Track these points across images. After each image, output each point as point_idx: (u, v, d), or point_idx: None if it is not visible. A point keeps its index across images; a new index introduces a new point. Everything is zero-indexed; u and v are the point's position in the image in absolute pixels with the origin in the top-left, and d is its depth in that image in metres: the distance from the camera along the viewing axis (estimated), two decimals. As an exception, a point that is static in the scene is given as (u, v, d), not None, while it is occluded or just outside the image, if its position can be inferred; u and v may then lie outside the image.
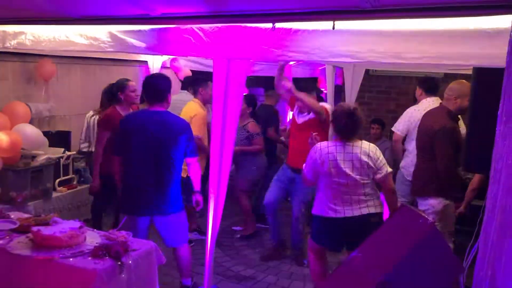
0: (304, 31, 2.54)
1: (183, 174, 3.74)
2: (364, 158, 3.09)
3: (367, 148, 3.15)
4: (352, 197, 3.09)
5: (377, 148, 3.21)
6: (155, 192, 3.28)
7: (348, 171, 3.07)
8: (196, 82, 4.96)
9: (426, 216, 1.74)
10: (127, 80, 4.12)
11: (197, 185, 3.49)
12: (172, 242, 3.44)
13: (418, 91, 4.46)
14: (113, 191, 3.91)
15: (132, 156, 3.30)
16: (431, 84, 4.40)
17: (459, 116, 3.63)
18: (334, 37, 2.48)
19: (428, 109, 3.83)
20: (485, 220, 1.48)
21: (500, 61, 2.14)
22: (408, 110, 4.42)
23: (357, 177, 3.07)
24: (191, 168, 3.46)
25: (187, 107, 4.73)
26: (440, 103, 3.80)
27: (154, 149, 3.25)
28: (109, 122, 3.90)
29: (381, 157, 3.16)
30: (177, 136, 3.28)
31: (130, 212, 3.25)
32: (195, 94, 4.89)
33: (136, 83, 6.52)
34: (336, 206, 3.11)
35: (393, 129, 4.46)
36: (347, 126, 3.16)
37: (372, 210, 3.13)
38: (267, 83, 5.90)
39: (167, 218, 3.33)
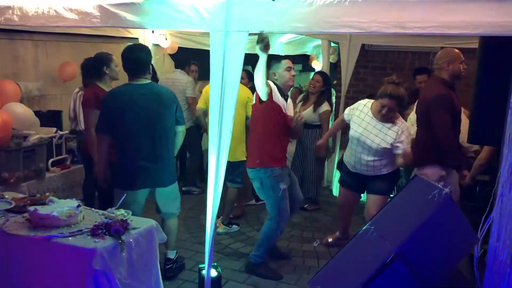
0: (305, 1, 2.45)
1: (242, 157, 4.25)
2: None
3: None
4: None
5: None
6: (154, 165, 3.30)
7: None
8: None
9: (441, 186, 1.71)
10: (110, 54, 3.91)
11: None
12: (167, 213, 3.52)
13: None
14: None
15: (125, 132, 3.25)
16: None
17: None
18: (337, 7, 2.40)
19: None
20: (500, 190, 1.44)
21: (508, 30, 2.10)
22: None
23: None
24: (178, 137, 3.49)
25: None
26: (432, 74, 3.77)
27: (147, 122, 3.24)
28: (99, 100, 3.62)
29: None
30: (167, 106, 3.32)
31: (129, 188, 3.25)
32: None
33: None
34: None
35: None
36: None
37: None
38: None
39: (167, 189, 3.41)
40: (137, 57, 3.30)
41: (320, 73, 5.44)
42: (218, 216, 4.64)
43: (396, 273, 1.61)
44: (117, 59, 3.81)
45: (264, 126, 3.54)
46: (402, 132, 3.62)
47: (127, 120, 3.22)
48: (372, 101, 3.83)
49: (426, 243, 1.67)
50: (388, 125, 3.65)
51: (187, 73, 5.87)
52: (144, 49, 3.45)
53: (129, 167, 3.29)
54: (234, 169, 4.40)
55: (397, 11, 2.32)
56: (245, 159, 4.25)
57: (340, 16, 2.43)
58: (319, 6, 2.44)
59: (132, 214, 3.26)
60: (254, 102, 3.63)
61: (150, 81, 3.36)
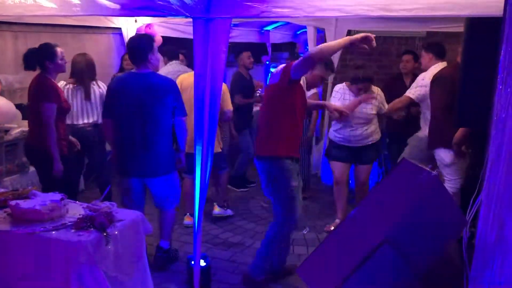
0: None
1: (218, 149, 4.17)
2: None
3: None
4: None
5: None
6: (144, 154, 3.32)
7: None
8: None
9: (429, 169, 1.69)
10: (55, 45, 3.58)
11: (182, 145, 3.51)
12: (161, 204, 3.52)
13: (426, 57, 4.12)
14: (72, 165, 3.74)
15: (120, 119, 3.33)
16: (441, 48, 4.11)
17: None
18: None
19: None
20: (488, 172, 1.42)
21: (494, 10, 2.07)
22: (419, 77, 4.18)
23: None
24: (178, 128, 3.44)
25: None
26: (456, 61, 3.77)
27: (139, 111, 3.26)
28: (55, 92, 3.52)
29: None
30: (162, 97, 3.29)
31: (123, 174, 3.40)
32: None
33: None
34: None
35: (406, 93, 4.17)
36: None
37: None
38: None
39: (159, 180, 3.41)
40: (131, 46, 3.36)
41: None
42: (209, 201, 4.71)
43: (384, 258, 1.60)
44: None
45: (285, 109, 3.12)
46: (380, 96, 4.24)
47: (118, 107, 3.30)
48: (343, 84, 4.33)
49: (414, 227, 1.66)
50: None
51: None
52: (140, 38, 3.46)
53: (121, 154, 3.39)
54: (216, 158, 4.32)
55: (382, -7, 2.29)
56: (220, 150, 4.43)
57: (325, 0, 2.39)
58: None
59: (131, 203, 3.40)
60: (275, 80, 3.12)
61: (150, 70, 3.34)
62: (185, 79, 4.11)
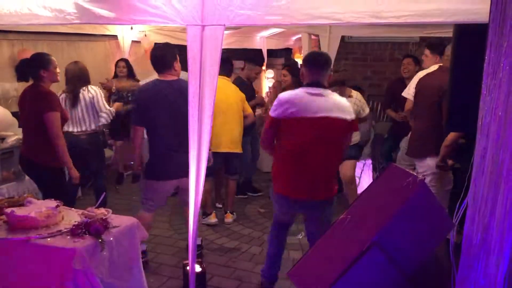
0: (281, -7, 2.43)
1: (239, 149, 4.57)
2: None
3: None
4: None
5: None
6: (182, 157, 3.37)
7: None
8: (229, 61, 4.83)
9: (416, 174, 1.73)
10: (49, 54, 3.57)
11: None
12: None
13: (433, 59, 4.06)
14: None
15: (156, 125, 3.46)
16: (443, 49, 3.95)
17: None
18: (312, -1, 2.40)
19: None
20: (474, 175, 1.45)
21: (481, 17, 2.11)
22: (418, 74, 4.13)
23: None
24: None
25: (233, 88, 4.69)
26: (440, 65, 3.79)
27: (176, 116, 3.40)
28: (57, 101, 3.53)
29: None
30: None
31: (159, 178, 3.50)
32: (229, 73, 4.80)
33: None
34: None
35: (403, 94, 4.16)
36: None
37: None
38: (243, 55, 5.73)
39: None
40: (158, 55, 3.50)
41: (286, 66, 5.46)
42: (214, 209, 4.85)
43: (373, 261, 1.63)
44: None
45: (339, 146, 3.07)
46: (359, 100, 4.40)
47: (155, 114, 3.43)
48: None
49: (402, 230, 1.69)
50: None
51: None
52: (165, 47, 3.59)
53: (159, 158, 3.51)
54: (235, 160, 4.69)
55: (372, 0, 2.33)
56: (241, 151, 4.68)
57: (316, 7, 2.43)
58: (295, -3, 2.43)
59: (156, 203, 3.57)
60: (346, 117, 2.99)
61: (176, 77, 3.51)
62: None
